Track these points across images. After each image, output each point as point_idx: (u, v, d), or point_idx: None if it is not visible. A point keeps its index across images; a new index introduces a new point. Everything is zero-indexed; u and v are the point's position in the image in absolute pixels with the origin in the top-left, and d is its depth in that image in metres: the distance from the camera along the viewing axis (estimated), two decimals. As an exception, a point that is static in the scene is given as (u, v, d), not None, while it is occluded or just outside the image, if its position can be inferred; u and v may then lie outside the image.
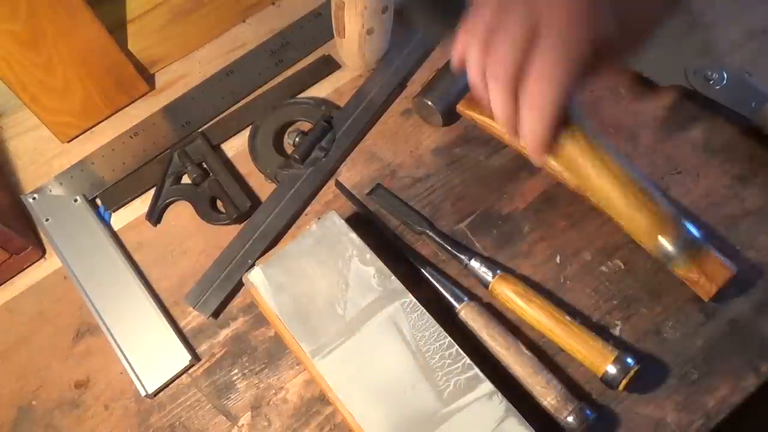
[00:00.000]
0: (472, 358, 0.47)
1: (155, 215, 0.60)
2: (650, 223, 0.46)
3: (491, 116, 0.57)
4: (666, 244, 0.47)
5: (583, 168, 0.45)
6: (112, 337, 0.54)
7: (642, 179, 0.46)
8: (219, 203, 0.60)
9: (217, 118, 0.66)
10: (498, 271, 0.52)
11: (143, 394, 0.52)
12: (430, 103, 0.60)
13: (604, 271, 0.54)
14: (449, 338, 0.47)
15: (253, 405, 0.52)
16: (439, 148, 0.62)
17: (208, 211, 0.59)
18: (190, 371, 0.53)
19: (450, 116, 0.62)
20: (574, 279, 0.54)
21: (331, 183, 0.61)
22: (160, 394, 0.53)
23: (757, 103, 0.58)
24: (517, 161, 0.60)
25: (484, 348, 0.50)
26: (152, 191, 0.61)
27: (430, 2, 0.50)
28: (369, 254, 0.51)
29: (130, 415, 0.52)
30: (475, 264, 0.53)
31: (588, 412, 0.46)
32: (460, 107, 0.60)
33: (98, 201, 0.62)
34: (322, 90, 0.67)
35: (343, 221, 0.53)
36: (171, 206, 0.61)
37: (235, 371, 0.53)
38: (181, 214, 0.61)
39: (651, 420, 0.49)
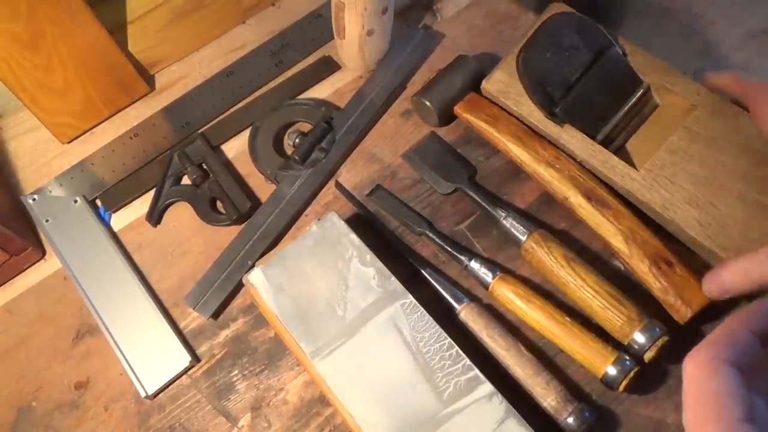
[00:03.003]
0: (472, 359, 0.47)
1: (155, 216, 0.60)
2: (624, 323, 0.48)
3: (487, 120, 0.58)
4: (639, 338, 0.48)
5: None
6: (112, 338, 0.54)
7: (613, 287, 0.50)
8: (219, 204, 0.60)
9: (218, 119, 0.66)
10: (498, 272, 0.52)
11: (143, 395, 0.52)
12: (427, 103, 0.60)
13: (604, 272, 0.54)
14: (449, 339, 0.47)
15: (253, 406, 0.52)
16: (439, 149, 0.62)
17: (208, 212, 0.59)
18: (190, 372, 0.53)
19: (448, 117, 0.62)
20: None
21: (331, 184, 0.61)
22: (160, 395, 0.53)
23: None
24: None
25: (484, 349, 0.50)
26: (152, 192, 0.61)
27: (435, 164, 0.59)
28: (369, 255, 0.51)
29: (130, 416, 0.52)
30: (475, 265, 0.53)
31: (588, 413, 0.46)
32: (458, 109, 0.60)
33: (98, 202, 0.62)
34: (322, 91, 0.67)
35: (343, 222, 0.53)
36: (171, 207, 0.61)
37: (235, 372, 0.53)
38: (181, 215, 0.61)
39: (651, 421, 0.49)
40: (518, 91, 0.56)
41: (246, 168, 0.63)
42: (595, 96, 0.55)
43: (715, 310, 0.50)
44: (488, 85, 0.58)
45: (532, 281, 0.54)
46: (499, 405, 0.45)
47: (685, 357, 0.32)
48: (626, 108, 0.55)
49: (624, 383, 0.46)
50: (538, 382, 0.47)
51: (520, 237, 0.53)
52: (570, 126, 0.55)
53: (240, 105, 0.66)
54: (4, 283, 0.58)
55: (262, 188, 0.61)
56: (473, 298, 0.53)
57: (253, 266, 0.53)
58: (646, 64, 0.56)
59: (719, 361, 0.30)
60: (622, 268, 0.54)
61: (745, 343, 0.31)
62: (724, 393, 0.30)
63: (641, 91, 0.56)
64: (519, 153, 0.56)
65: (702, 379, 0.30)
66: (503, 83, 0.57)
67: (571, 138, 0.54)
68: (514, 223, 0.54)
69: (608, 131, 0.55)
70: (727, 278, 0.46)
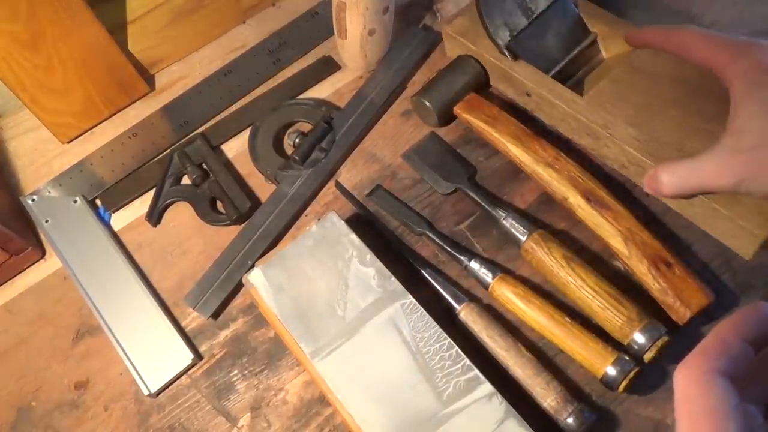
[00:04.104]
0: (472, 360, 0.47)
1: (155, 216, 0.60)
2: (624, 323, 0.49)
3: (486, 121, 0.58)
4: (639, 338, 0.48)
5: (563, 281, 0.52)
6: (114, 337, 0.54)
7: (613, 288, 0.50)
8: (219, 204, 0.60)
9: (218, 119, 0.66)
10: (498, 273, 0.52)
11: (146, 393, 0.52)
12: (427, 103, 0.60)
13: (603, 272, 0.54)
14: (449, 339, 0.47)
15: (252, 406, 0.52)
16: (439, 149, 0.61)
17: (208, 211, 0.59)
18: (190, 372, 0.53)
19: (448, 117, 0.62)
20: (574, 280, 0.54)
21: (331, 184, 0.61)
22: (160, 395, 0.53)
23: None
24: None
25: (484, 349, 0.50)
26: (152, 192, 0.61)
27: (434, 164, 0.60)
28: (369, 255, 0.51)
29: (130, 416, 0.52)
30: (474, 265, 0.53)
31: (588, 413, 0.46)
32: (458, 110, 0.60)
33: (98, 202, 0.62)
34: (322, 91, 0.67)
35: (343, 222, 0.53)
36: (171, 207, 0.61)
37: (235, 372, 0.53)
38: (181, 214, 0.61)
39: (651, 421, 0.49)
40: (476, 33, 0.61)
41: (246, 168, 0.63)
42: (547, 38, 0.60)
43: (714, 310, 0.50)
44: (450, 28, 0.63)
45: (532, 281, 0.54)
46: (498, 405, 0.45)
47: (676, 368, 0.31)
48: (575, 53, 0.60)
49: (624, 383, 0.46)
50: (537, 383, 0.47)
51: (520, 237, 0.53)
52: (522, 61, 0.59)
53: (240, 105, 0.66)
54: (4, 282, 0.58)
55: (262, 188, 0.62)
56: (473, 299, 0.53)
57: (253, 266, 0.53)
58: (596, 16, 0.61)
59: (711, 374, 0.29)
60: (622, 269, 0.54)
61: (737, 352, 0.30)
62: (718, 407, 0.29)
63: (590, 39, 0.60)
64: (518, 153, 0.56)
65: (695, 393, 0.29)
66: (463, 26, 0.62)
67: (523, 70, 0.59)
68: (514, 223, 0.54)
69: (557, 73, 0.59)
70: (665, 180, 0.50)
